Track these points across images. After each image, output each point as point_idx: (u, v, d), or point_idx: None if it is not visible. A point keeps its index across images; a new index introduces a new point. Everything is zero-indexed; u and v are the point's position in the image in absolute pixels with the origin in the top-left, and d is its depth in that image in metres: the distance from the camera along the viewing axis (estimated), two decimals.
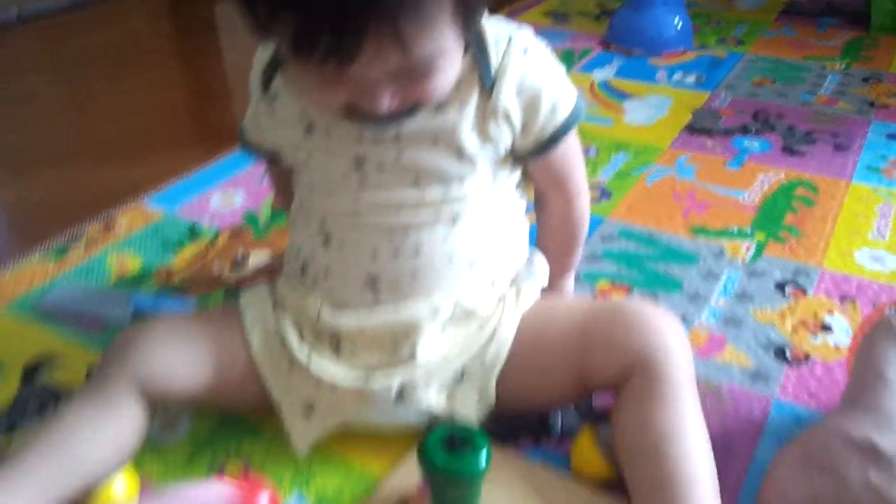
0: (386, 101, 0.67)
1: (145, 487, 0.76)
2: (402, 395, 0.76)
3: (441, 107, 0.73)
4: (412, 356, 0.76)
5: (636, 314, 0.75)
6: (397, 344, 0.76)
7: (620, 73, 1.75)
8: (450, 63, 0.68)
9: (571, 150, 0.82)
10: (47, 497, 0.71)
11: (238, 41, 2.18)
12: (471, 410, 0.77)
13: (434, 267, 0.76)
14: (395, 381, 0.76)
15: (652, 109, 1.56)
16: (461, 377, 0.77)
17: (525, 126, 0.76)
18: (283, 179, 0.88)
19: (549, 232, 0.88)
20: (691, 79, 1.71)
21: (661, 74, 1.73)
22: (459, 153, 0.75)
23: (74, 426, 0.73)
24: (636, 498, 0.69)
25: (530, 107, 0.76)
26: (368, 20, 0.59)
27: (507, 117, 0.75)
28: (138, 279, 1.08)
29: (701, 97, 1.61)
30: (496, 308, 0.79)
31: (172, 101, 1.87)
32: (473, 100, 0.74)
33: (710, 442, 0.70)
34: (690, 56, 1.83)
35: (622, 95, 1.63)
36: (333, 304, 0.78)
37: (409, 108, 0.72)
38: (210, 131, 1.69)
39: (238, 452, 0.81)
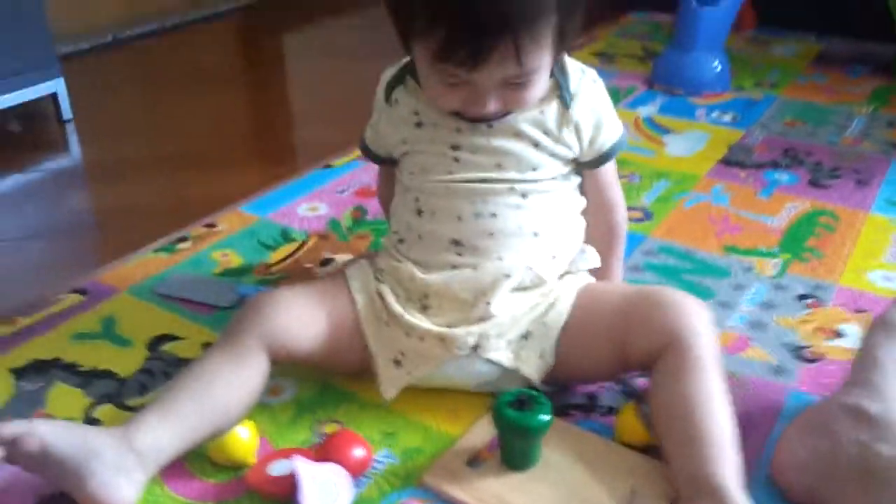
0: (492, 106, 0.89)
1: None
2: (476, 347, 0.92)
3: (524, 111, 0.93)
4: (488, 312, 0.92)
5: (671, 299, 0.91)
6: (476, 301, 0.93)
7: (663, 110, 1.90)
8: (542, 78, 0.90)
9: (614, 169, 1.04)
10: (187, 436, 0.85)
11: (302, 69, 2.40)
12: (532, 368, 0.93)
13: (507, 231, 0.94)
14: (473, 330, 0.92)
15: (691, 143, 1.71)
16: (526, 337, 0.93)
17: (591, 142, 0.97)
18: (391, 179, 1.06)
19: (596, 235, 1.05)
20: (728, 117, 1.85)
21: (700, 112, 1.88)
22: (536, 146, 0.94)
23: (212, 375, 0.88)
24: (670, 456, 0.83)
25: (597, 126, 0.97)
26: (498, 36, 0.81)
27: (577, 129, 0.95)
28: (241, 272, 1.25)
29: (736, 134, 1.76)
30: (558, 282, 0.96)
31: (245, 123, 2.06)
32: (553, 109, 0.94)
33: (732, 410, 0.84)
34: (728, 97, 1.98)
35: (664, 130, 1.78)
36: (423, 267, 0.95)
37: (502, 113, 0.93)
38: (282, 150, 1.87)
39: (335, 415, 0.96)
